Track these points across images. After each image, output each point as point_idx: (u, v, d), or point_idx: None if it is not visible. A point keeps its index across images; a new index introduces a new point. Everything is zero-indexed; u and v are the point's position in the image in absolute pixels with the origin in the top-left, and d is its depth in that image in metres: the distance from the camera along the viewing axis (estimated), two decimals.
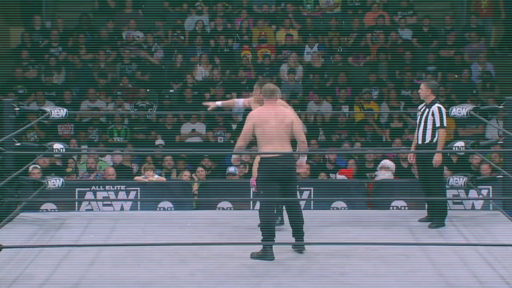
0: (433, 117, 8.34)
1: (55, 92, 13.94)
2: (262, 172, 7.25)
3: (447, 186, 8.87)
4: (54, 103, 13.16)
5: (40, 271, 6.77)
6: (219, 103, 8.80)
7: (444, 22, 14.99)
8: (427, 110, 8.41)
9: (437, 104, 8.40)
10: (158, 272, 6.80)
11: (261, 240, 7.11)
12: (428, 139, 8.36)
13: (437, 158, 8.29)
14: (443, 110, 8.40)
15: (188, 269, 6.87)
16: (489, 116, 12.87)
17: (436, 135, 8.36)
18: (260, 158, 7.31)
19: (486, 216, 8.85)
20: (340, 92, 13.80)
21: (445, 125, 8.36)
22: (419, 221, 8.42)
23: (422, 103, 8.56)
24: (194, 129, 13.27)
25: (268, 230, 7.12)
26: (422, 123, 8.40)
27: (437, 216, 8.34)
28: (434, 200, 8.30)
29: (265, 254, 7.06)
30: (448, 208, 8.66)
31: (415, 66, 14.29)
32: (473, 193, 9.45)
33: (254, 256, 7.09)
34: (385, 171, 11.13)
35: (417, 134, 8.46)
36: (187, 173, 11.43)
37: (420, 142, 8.42)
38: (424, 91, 8.45)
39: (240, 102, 8.54)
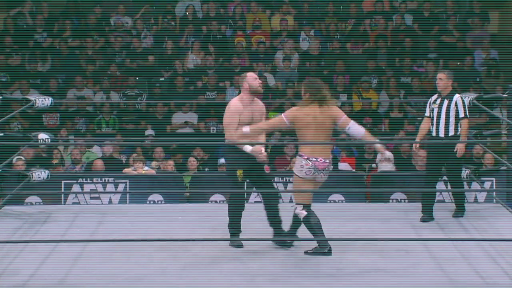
0: (456, 107, 8.25)
1: (40, 80, 13.93)
2: None
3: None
4: (38, 91, 13.15)
5: (26, 266, 6.78)
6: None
7: (445, 6, 15.00)
8: (446, 101, 8.30)
9: (458, 95, 8.34)
10: (148, 267, 6.82)
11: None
12: (451, 132, 8.27)
13: (461, 148, 8.25)
14: (466, 100, 8.38)
15: (180, 264, 6.90)
16: (494, 105, 12.89)
17: (459, 127, 8.32)
18: None
19: (488, 209, 8.88)
20: (338, 79, 13.80)
21: (468, 115, 8.31)
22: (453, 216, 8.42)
23: (430, 94, 8.50)
24: (187, 121, 13.25)
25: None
26: (443, 115, 8.28)
27: (461, 205, 8.40)
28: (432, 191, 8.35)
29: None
30: (451, 200, 8.69)
31: (415, 53, 14.30)
32: (475, 185, 9.46)
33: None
34: (387, 162, 11.10)
35: (437, 127, 8.30)
36: (171, 162, 11.42)
37: (442, 135, 8.28)
38: (445, 81, 8.31)
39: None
